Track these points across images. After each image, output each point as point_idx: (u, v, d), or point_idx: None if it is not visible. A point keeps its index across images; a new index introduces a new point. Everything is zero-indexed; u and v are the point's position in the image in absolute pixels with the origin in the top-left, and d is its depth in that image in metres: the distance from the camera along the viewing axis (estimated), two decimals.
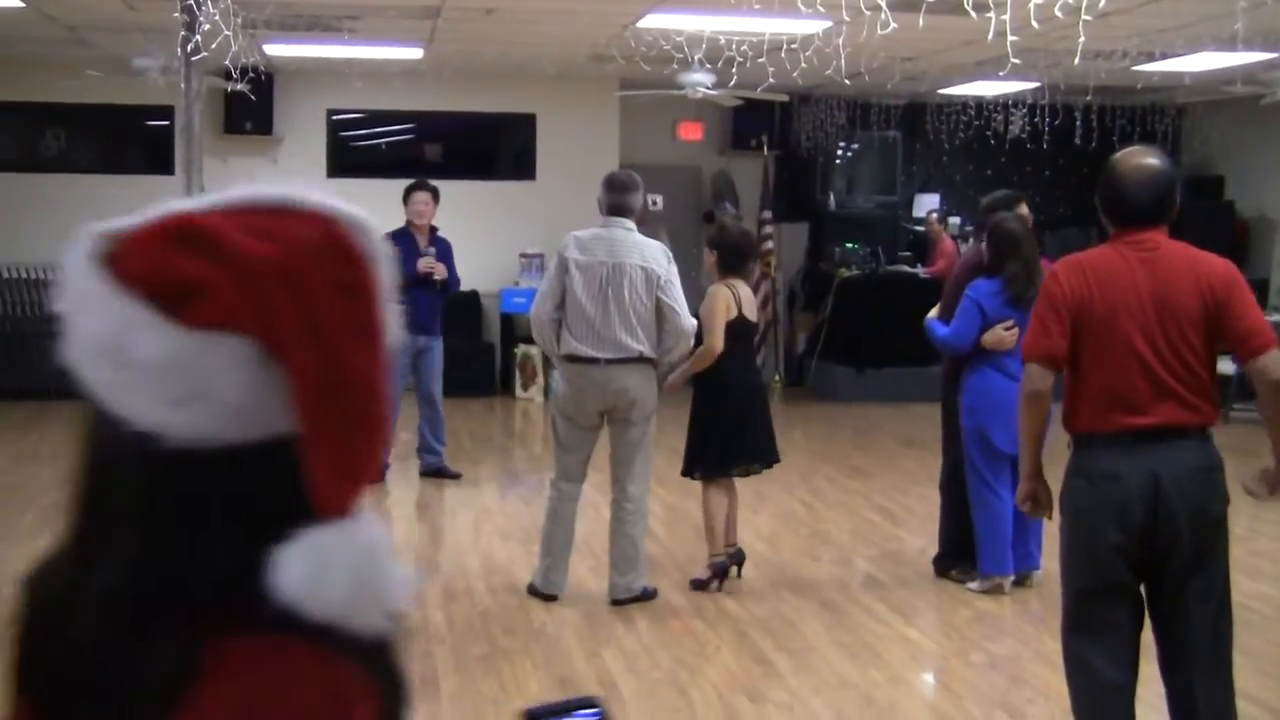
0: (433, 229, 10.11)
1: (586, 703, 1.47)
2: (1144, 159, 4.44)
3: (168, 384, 1.12)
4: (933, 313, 7.52)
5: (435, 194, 10.10)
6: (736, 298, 7.23)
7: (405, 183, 15.05)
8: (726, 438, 7.25)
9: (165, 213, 1.20)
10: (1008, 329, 7.09)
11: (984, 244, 7.33)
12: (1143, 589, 4.38)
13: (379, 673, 1.18)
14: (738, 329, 7.23)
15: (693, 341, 7.08)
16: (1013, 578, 7.35)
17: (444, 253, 10.17)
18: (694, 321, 6.98)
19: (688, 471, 7.38)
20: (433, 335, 10.07)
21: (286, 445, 1.14)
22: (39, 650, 1.20)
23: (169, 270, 1.13)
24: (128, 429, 1.14)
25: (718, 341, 7.12)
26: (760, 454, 7.40)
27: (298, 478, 1.13)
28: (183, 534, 1.14)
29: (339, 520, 1.14)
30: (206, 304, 1.12)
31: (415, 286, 9.78)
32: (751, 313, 7.40)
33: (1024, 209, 7.53)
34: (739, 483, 7.45)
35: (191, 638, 1.12)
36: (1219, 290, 4.27)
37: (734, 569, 7.46)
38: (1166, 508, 4.19)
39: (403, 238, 10.01)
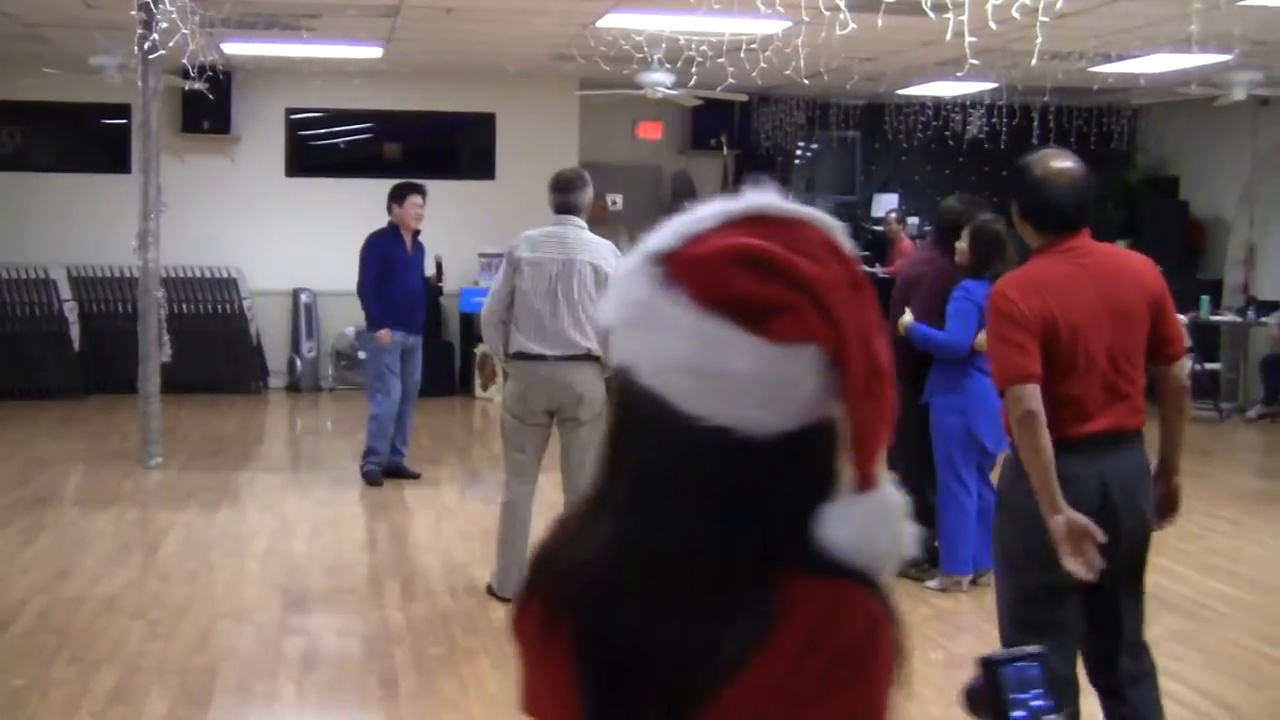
0: (416, 230, 10.07)
1: (1032, 653, 1.63)
2: (1063, 163, 4.39)
3: (757, 390, 1.33)
4: (908, 317, 7.43)
5: (425, 194, 10.05)
6: None
7: (364, 182, 15.15)
8: None
9: (712, 237, 1.39)
10: None
11: (961, 246, 7.31)
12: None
13: (890, 605, 1.41)
14: None
15: None
16: (971, 576, 7.40)
17: (424, 252, 10.20)
18: None
19: None
20: (419, 334, 10.10)
21: (819, 428, 1.37)
22: (586, 618, 1.41)
23: (750, 293, 1.33)
24: (701, 424, 1.34)
25: None
26: None
27: (825, 453, 1.39)
28: (749, 503, 1.36)
29: (872, 487, 1.39)
30: (790, 321, 1.33)
31: (404, 284, 9.82)
32: None
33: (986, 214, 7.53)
34: None
35: (767, 588, 1.35)
36: (1157, 295, 4.33)
37: None
38: (1113, 510, 4.21)
39: (391, 240, 9.94)
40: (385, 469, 10.13)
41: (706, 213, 1.42)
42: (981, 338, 7.13)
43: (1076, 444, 4.21)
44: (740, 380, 1.32)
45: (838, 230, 1.43)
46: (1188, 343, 4.36)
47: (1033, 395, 4.15)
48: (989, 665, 1.59)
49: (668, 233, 1.40)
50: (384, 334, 9.77)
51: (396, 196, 10.01)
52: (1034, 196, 4.36)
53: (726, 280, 1.33)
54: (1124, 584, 4.36)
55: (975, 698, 1.61)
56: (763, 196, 1.45)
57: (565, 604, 1.43)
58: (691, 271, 1.35)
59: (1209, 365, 13.53)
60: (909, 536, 1.41)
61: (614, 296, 1.40)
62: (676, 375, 1.34)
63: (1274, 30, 9.91)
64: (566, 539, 1.49)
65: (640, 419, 1.39)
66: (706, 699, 1.34)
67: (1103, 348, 4.24)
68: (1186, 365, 4.42)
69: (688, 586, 1.36)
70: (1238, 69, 11.64)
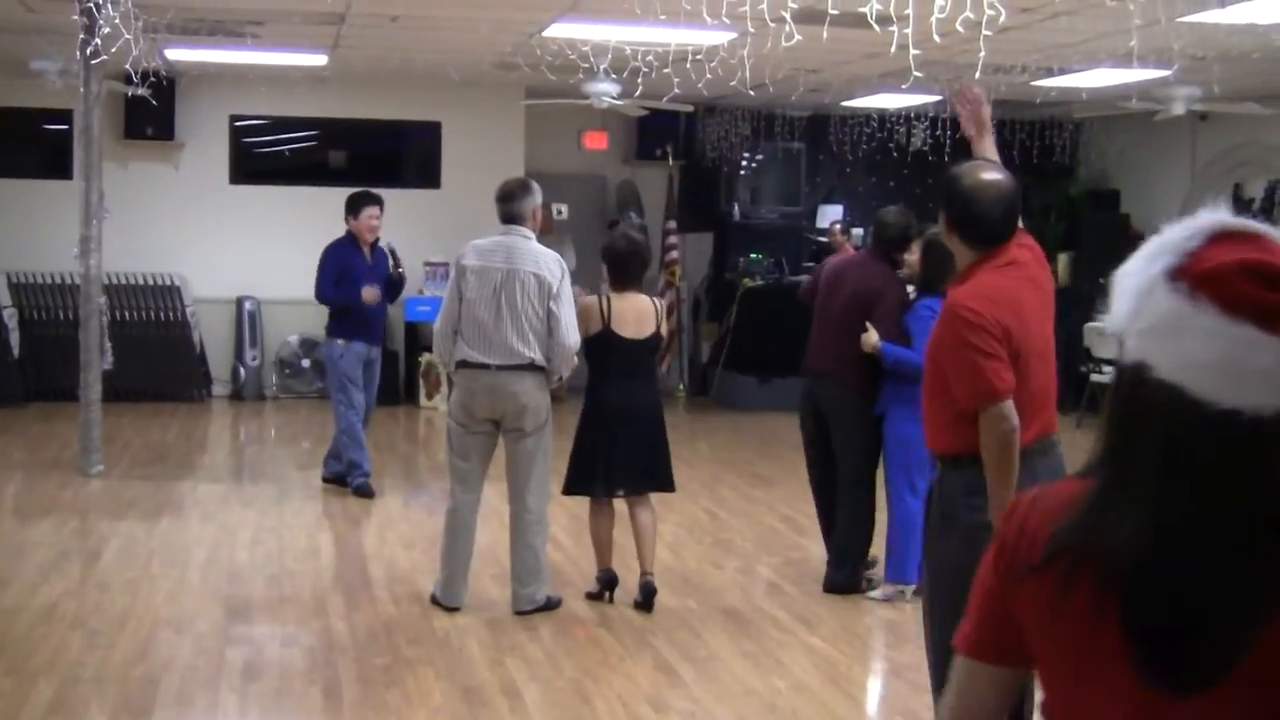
0: (374, 240, 10.03)
1: None
2: (991, 174, 4.36)
3: (1272, 379, 1.57)
4: (874, 337, 7.30)
5: (382, 205, 10.00)
6: (605, 311, 7.02)
7: (309, 190, 15.10)
8: (582, 456, 7.11)
9: (1208, 253, 1.64)
10: None
11: (909, 260, 7.33)
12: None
13: None
14: (604, 344, 7.03)
15: (574, 362, 7.01)
16: (915, 586, 7.43)
17: (384, 260, 10.13)
18: (576, 340, 6.90)
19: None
20: (379, 344, 10.09)
21: None
22: (1135, 588, 1.62)
23: (1266, 301, 1.58)
24: (1216, 408, 1.58)
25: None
26: (617, 479, 7.10)
27: None
28: (1260, 474, 1.60)
29: None
30: None
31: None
32: (630, 327, 7.05)
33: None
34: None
35: None
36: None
37: (611, 592, 7.26)
38: None
39: (348, 250, 9.92)
40: (330, 476, 10.08)
41: (1186, 232, 1.69)
42: None
43: (1023, 454, 4.24)
44: (1260, 373, 1.58)
45: None
46: None
47: (1013, 410, 4.14)
48: None
49: (1164, 252, 1.68)
50: (369, 291, 9.71)
51: (352, 207, 9.98)
52: (966, 210, 4.31)
53: (1243, 291, 1.59)
54: None
55: None
56: (1222, 214, 1.69)
57: (1115, 577, 1.63)
58: (1210, 285, 1.61)
59: None
60: None
61: (1131, 308, 1.67)
62: (1200, 371, 1.60)
63: (1212, 46, 10.02)
64: (1093, 521, 1.67)
65: (1157, 408, 1.64)
66: (1247, 649, 1.59)
67: (1041, 358, 4.29)
68: None
69: (1230, 553, 1.59)
70: (1177, 84, 11.77)
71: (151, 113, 13.99)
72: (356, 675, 6.07)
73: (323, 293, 9.94)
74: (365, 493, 9.82)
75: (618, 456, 7.02)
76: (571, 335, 6.87)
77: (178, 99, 14.60)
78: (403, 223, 14.66)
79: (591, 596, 7.25)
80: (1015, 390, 4.19)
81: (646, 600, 7.10)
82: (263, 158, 15.68)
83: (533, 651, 6.46)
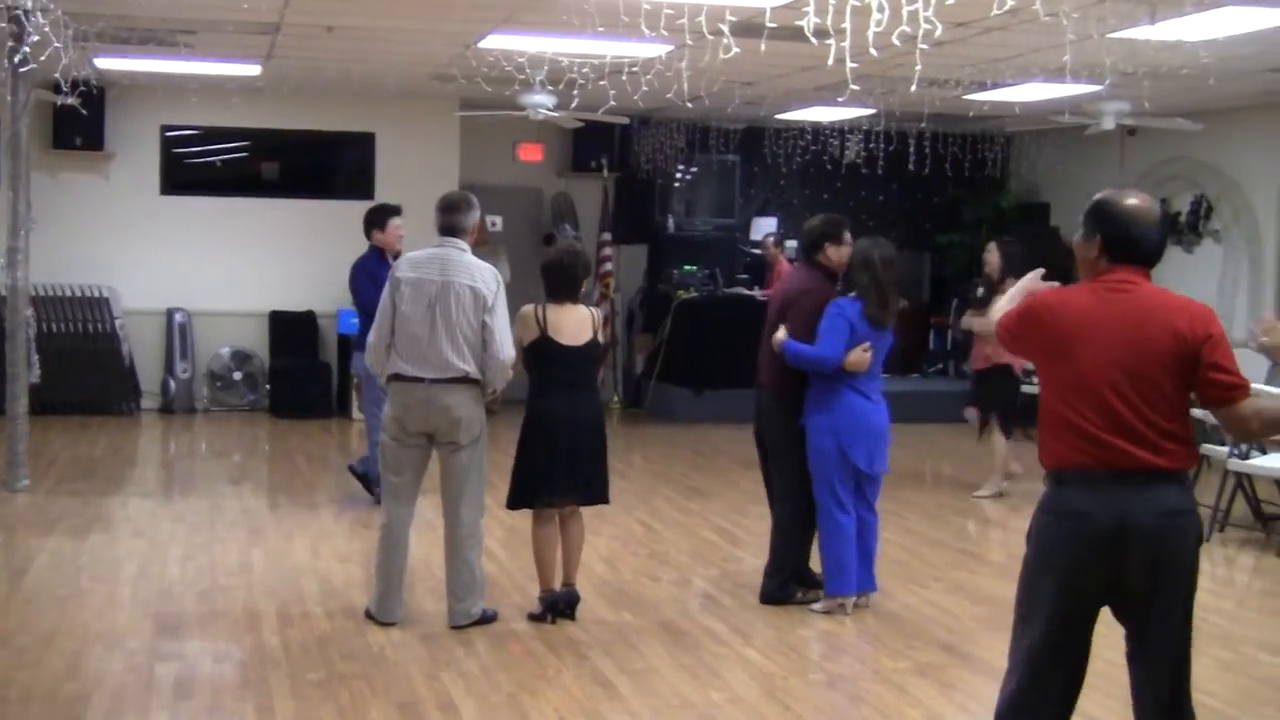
0: (397, 251, 9.91)
1: None
2: (1145, 201, 4.45)
3: None
4: (781, 334, 7.48)
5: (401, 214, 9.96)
6: (541, 318, 6.96)
7: (241, 200, 14.99)
8: (525, 469, 7.02)
9: None
10: (865, 350, 7.20)
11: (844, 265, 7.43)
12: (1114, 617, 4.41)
13: None
14: (542, 352, 6.97)
15: (509, 375, 6.92)
16: (855, 598, 7.44)
17: None
18: (511, 353, 6.84)
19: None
20: None
21: None
22: None
23: None
24: None
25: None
26: (562, 490, 6.99)
27: None
28: None
29: None
30: None
31: None
32: (568, 335, 6.97)
33: (847, 234, 7.62)
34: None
35: None
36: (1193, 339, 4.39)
37: (555, 614, 7.12)
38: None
39: (377, 263, 9.61)
40: (360, 471, 10.13)
41: None
42: (852, 356, 7.20)
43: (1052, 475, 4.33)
44: None
45: None
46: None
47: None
48: None
49: None
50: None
51: (378, 222, 9.86)
52: (1119, 229, 4.37)
53: None
54: (1150, 628, 4.35)
55: None
56: None
57: None
58: None
59: None
60: None
61: None
62: None
63: (1142, 62, 10.14)
64: None
65: None
66: None
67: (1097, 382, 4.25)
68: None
69: None
70: (1108, 99, 11.90)
71: (81, 122, 13.85)
72: (290, 691, 6.00)
73: (367, 301, 8.96)
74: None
75: (559, 468, 6.95)
76: (506, 348, 6.82)
77: (108, 108, 14.46)
78: (335, 233, 14.62)
79: (534, 618, 7.13)
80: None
81: (569, 608, 7.09)
82: (194, 168, 15.53)
83: (469, 666, 6.42)
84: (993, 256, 10.89)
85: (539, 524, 7.11)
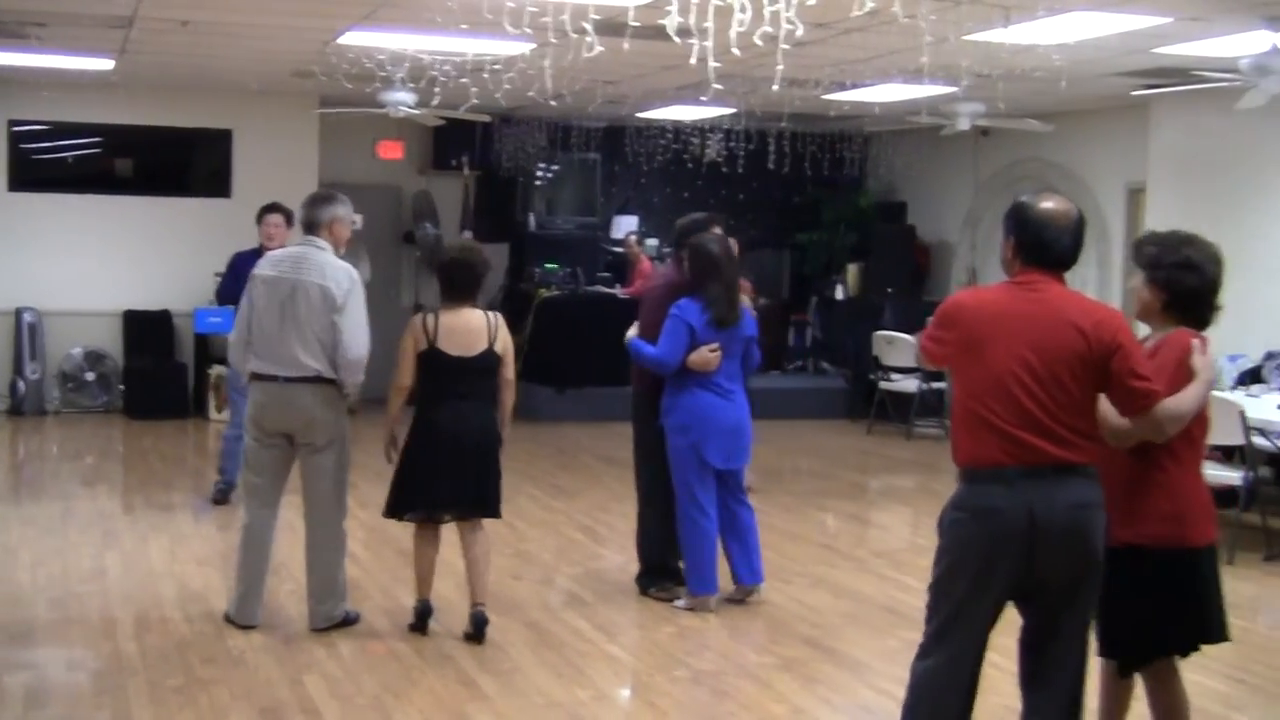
0: (270, 249, 9.81)
1: None
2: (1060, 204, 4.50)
3: None
4: (632, 332, 7.56)
5: (289, 216, 9.74)
6: (429, 327, 6.69)
7: (93, 198, 14.69)
8: (404, 478, 6.80)
9: None
10: (713, 350, 7.23)
11: (684, 265, 7.42)
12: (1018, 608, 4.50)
13: None
14: (430, 364, 6.71)
15: (360, 374, 6.78)
16: (717, 595, 7.49)
17: None
18: (362, 352, 6.69)
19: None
20: None
21: None
22: None
23: None
24: None
25: (398, 375, 6.76)
26: (443, 503, 6.79)
27: None
28: None
29: None
30: None
31: None
32: (459, 345, 6.69)
33: (718, 231, 7.62)
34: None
35: None
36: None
37: (424, 626, 6.88)
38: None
39: (250, 257, 9.56)
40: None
41: None
42: (696, 358, 7.23)
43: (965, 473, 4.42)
44: None
45: None
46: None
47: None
48: None
49: None
50: None
51: (257, 217, 10.03)
52: (1031, 232, 4.43)
53: None
54: (1061, 618, 4.46)
55: None
56: None
57: None
58: None
59: (936, 384, 14.00)
60: None
61: None
62: None
63: (997, 64, 10.33)
64: None
65: None
66: None
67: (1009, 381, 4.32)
68: None
69: None
70: (963, 100, 12.10)
71: None
72: (148, 698, 5.89)
73: (225, 292, 9.98)
74: (217, 500, 10.04)
75: (442, 480, 6.72)
76: (355, 348, 6.67)
77: None
78: (192, 232, 14.42)
79: (413, 629, 6.91)
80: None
81: (478, 631, 6.78)
82: (44, 165, 15.16)
83: (332, 669, 6.35)
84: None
85: (419, 537, 6.88)
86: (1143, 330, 4.80)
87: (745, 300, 7.62)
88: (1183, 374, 4.50)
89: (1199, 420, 4.58)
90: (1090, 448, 4.32)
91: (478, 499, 6.85)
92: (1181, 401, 4.43)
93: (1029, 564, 4.27)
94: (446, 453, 6.72)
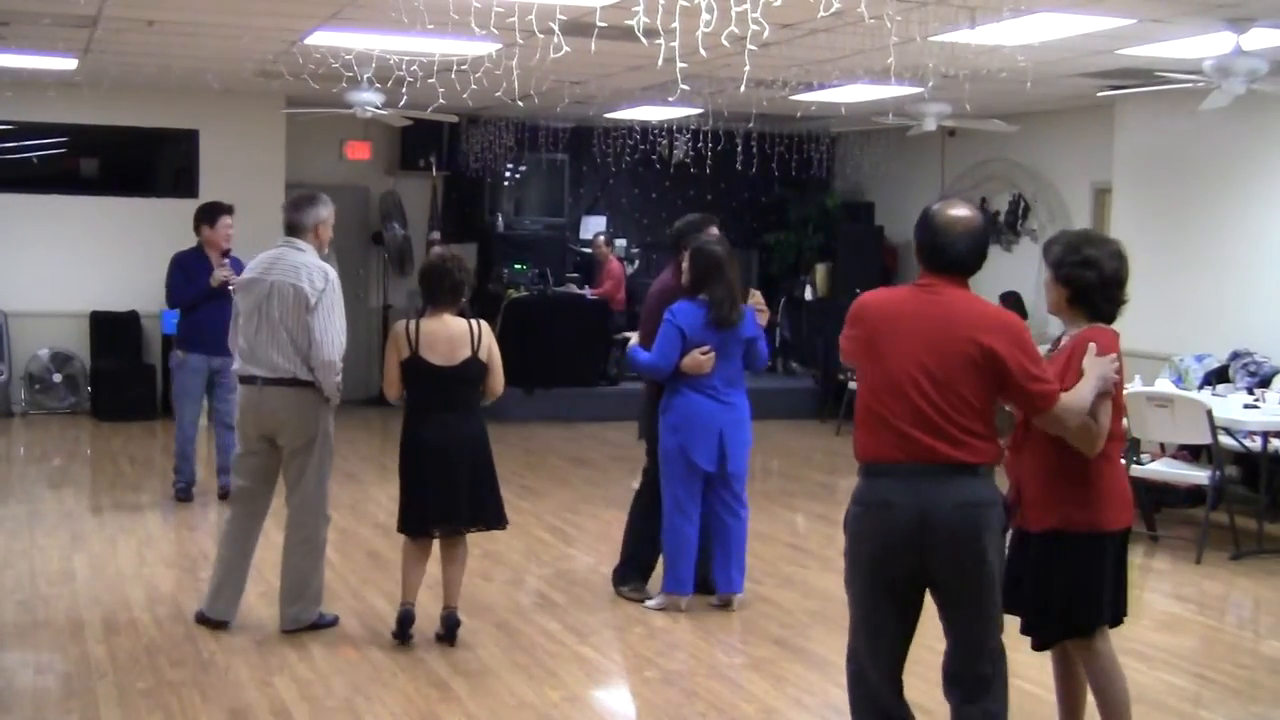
0: (225, 250, 9.91)
1: None
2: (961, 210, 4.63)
3: None
4: (633, 340, 7.57)
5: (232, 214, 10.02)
6: (412, 334, 6.63)
7: (58, 199, 14.60)
8: (404, 496, 6.76)
9: None
10: (705, 354, 7.21)
11: (684, 267, 7.38)
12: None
13: None
14: (413, 372, 6.60)
15: (336, 376, 6.72)
16: (689, 597, 7.49)
17: (238, 270, 9.90)
18: (335, 354, 6.66)
19: None
20: (228, 355, 9.74)
21: None
22: None
23: None
24: None
25: (386, 388, 6.74)
26: (438, 519, 6.69)
27: None
28: None
29: None
30: None
31: (210, 302, 9.66)
32: (441, 354, 6.61)
33: (715, 231, 7.62)
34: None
35: None
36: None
37: (406, 632, 6.78)
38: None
39: (196, 259, 9.92)
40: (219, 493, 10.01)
41: None
42: (688, 362, 7.24)
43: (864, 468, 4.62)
44: None
45: None
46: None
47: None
48: None
49: None
50: (222, 271, 9.69)
51: (208, 218, 10.00)
52: (927, 237, 4.58)
53: None
54: (953, 614, 4.62)
55: None
56: None
57: None
58: None
59: None
60: None
61: None
62: None
63: (963, 65, 10.37)
64: None
65: None
66: None
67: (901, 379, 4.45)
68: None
69: None
70: (929, 101, 12.15)
71: None
72: (117, 700, 5.88)
73: (177, 297, 10.02)
74: (180, 498, 10.09)
75: (433, 498, 6.63)
76: (327, 349, 6.64)
77: None
78: (158, 233, 14.32)
79: (396, 636, 6.80)
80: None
81: (449, 633, 6.75)
82: (8, 165, 15.08)
83: (302, 671, 6.34)
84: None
85: (409, 546, 6.81)
86: (1056, 327, 5.01)
87: (758, 308, 7.56)
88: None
89: (1114, 411, 4.79)
90: (984, 448, 4.46)
91: (474, 513, 6.75)
92: (1076, 398, 4.64)
93: (920, 558, 4.44)
94: (433, 468, 6.61)
